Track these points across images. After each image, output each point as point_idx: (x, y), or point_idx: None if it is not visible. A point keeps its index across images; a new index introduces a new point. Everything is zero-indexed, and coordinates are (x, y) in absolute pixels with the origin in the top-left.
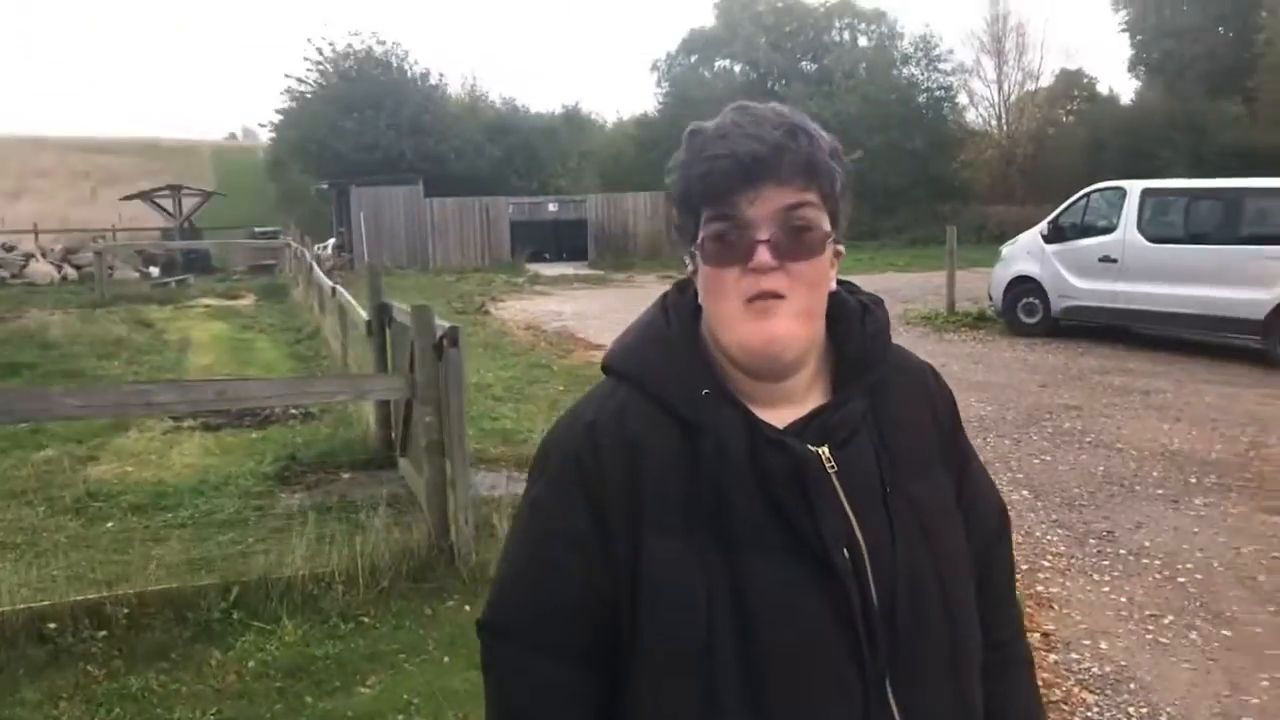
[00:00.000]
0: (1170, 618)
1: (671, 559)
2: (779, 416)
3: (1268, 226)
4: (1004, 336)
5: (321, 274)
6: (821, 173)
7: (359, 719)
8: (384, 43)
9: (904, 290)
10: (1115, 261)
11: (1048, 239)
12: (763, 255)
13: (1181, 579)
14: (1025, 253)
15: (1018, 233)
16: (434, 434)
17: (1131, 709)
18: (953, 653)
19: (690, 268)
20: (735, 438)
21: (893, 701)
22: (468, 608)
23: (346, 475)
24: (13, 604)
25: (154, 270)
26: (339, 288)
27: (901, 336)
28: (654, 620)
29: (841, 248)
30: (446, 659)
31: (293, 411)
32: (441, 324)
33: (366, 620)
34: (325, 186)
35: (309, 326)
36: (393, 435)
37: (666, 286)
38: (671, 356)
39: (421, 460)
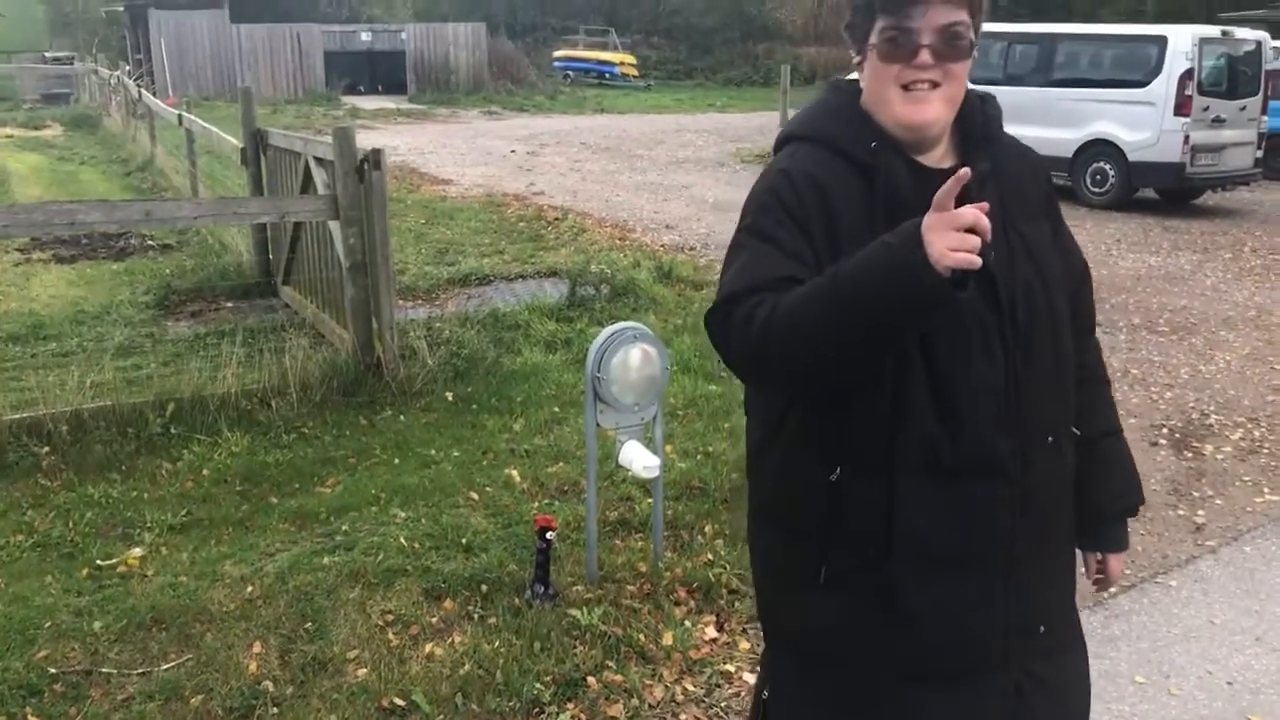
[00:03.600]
0: None
1: None
2: None
3: (1077, 70)
4: None
5: (159, 102)
6: None
7: (332, 512)
8: None
9: (730, 130)
10: None
11: None
12: (924, 57)
13: None
14: None
15: (829, 74)
16: (357, 255)
17: None
18: (1054, 345)
19: (857, 59)
20: (904, 176)
21: (1019, 367)
22: (403, 418)
23: (229, 304)
24: None
25: None
26: (187, 114)
27: (739, 174)
28: None
29: (975, 53)
30: (396, 460)
31: (150, 243)
32: (363, 147)
33: (307, 431)
34: (121, 9)
35: (138, 158)
36: (270, 263)
37: (490, 122)
38: (846, 121)
39: (342, 282)
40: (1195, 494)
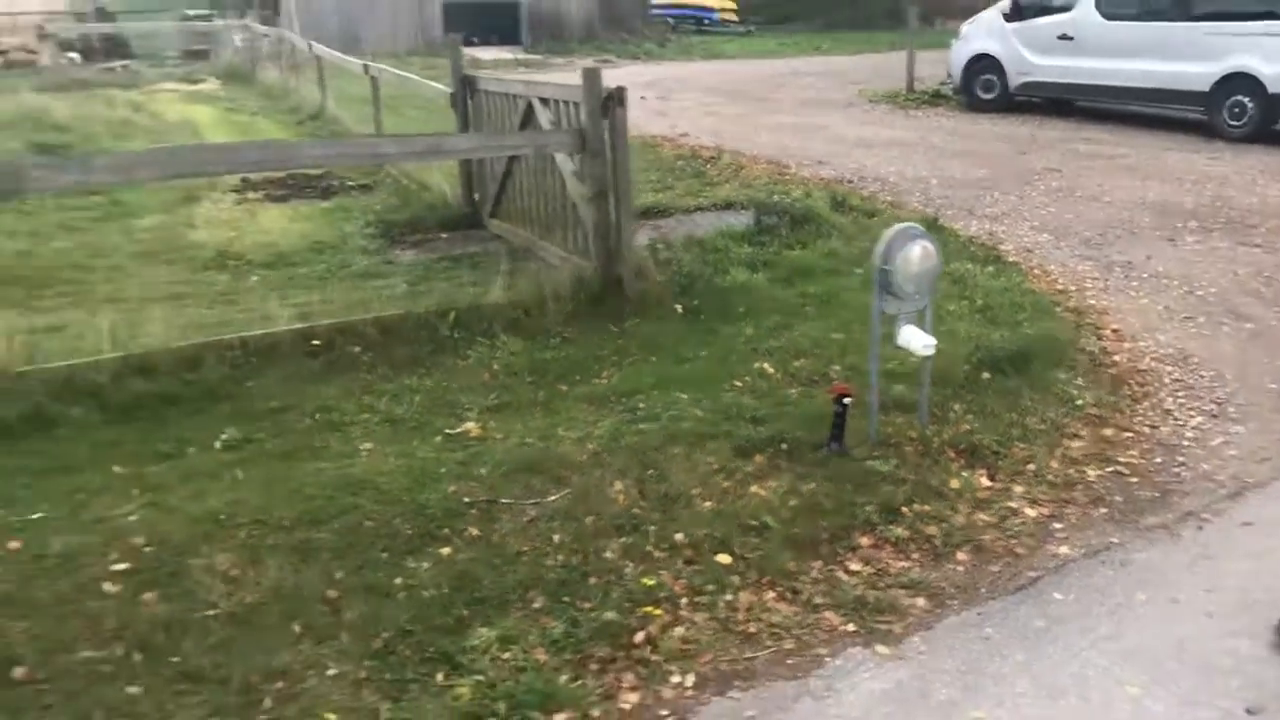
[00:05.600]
0: (1202, 318)
1: None
2: None
3: (1216, 3)
4: (964, 112)
5: (336, 54)
6: None
7: (620, 395)
8: None
9: (847, 72)
10: (1072, 39)
11: (1008, 18)
12: None
13: (1199, 293)
14: (985, 31)
15: (941, 15)
16: (601, 184)
17: (1202, 372)
18: None
19: None
20: None
21: None
22: (645, 326)
23: (443, 235)
24: (265, 328)
25: (75, 56)
26: (371, 64)
27: (870, 113)
28: None
29: None
30: (654, 359)
31: (349, 184)
32: (607, 85)
33: (568, 336)
34: None
35: (306, 108)
36: (475, 197)
37: (609, 70)
38: None
39: (565, 210)
40: None
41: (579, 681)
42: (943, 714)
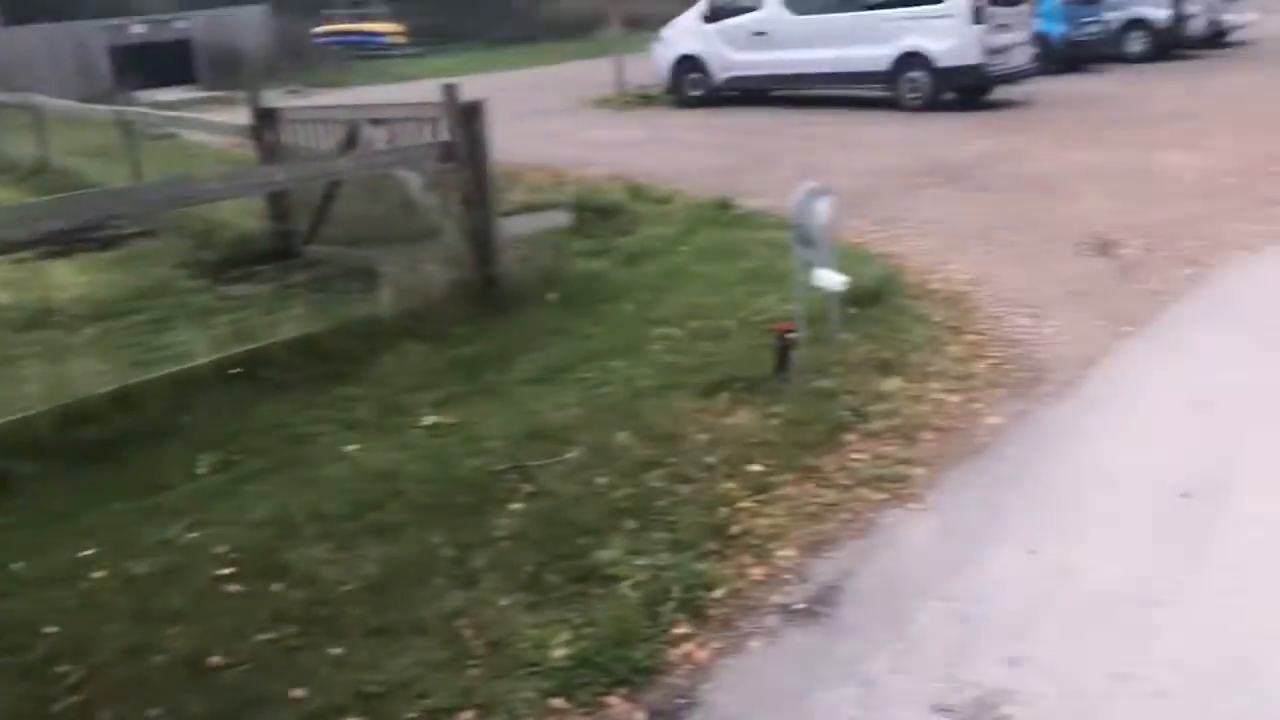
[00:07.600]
0: (974, 248)
1: None
2: None
3: None
4: (677, 109)
5: (59, 101)
6: None
7: (558, 371)
8: None
9: (548, 83)
10: (765, 35)
11: (707, 19)
12: None
13: (959, 230)
14: (687, 34)
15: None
16: (471, 190)
17: (998, 285)
18: None
19: None
20: None
21: None
22: (534, 315)
23: (264, 268)
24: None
25: None
26: (125, 109)
27: (600, 118)
28: None
29: None
30: (559, 341)
31: (125, 232)
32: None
33: (466, 334)
34: None
35: (23, 163)
36: (290, 228)
37: (304, 101)
38: None
39: (443, 217)
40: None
41: (715, 565)
42: (976, 540)
